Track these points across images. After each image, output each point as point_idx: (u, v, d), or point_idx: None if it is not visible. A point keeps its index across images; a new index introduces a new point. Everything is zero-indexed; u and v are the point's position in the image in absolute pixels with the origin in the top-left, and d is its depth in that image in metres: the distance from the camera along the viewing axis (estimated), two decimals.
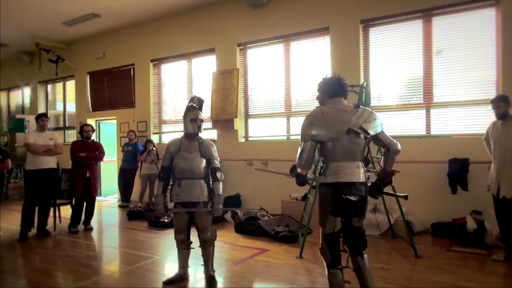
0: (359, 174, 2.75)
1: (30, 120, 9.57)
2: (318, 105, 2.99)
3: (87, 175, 6.04)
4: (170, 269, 4.13)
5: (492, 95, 5.00)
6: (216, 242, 3.80)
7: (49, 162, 5.74)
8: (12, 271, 4.33)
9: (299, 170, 2.90)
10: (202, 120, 3.75)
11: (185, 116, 3.74)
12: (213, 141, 4.55)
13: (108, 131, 10.30)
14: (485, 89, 5.54)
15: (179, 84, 8.93)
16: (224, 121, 7.69)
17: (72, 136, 11.14)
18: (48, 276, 4.13)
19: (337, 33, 6.59)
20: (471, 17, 5.65)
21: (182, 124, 3.79)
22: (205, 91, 8.05)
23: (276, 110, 7.48)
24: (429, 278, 3.82)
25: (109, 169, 9.91)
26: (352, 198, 2.70)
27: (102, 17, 8.69)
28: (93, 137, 6.53)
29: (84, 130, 6.22)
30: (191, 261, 3.88)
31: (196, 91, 8.39)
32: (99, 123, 10.30)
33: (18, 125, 10.39)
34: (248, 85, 7.78)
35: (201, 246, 3.72)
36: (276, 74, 7.43)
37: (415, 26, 6.05)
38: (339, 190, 2.71)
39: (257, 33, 7.46)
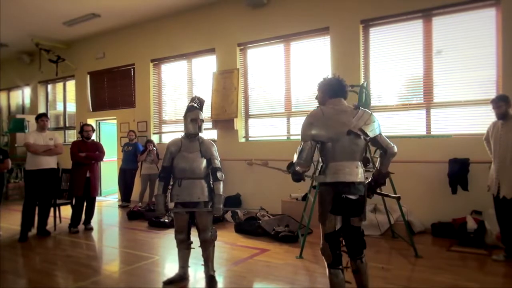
0: (358, 173, 2.78)
1: (30, 120, 9.56)
2: (318, 105, 3.00)
3: (87, 175, 6.04)
4: (170, 269, 4.13)
5: (492, 95, 5.00)
6: (216, 242, 3.81)
7: (49, 162, 5.74)
8: (12, 271, 4.33)
9: (297, 168, 2.92)
10: (202, 120, 3.76)
11: (185, 116, 3.74)
12: (214, 141, 4.54)
13: (108, 131, 10.30)
14: (485, 89, 5.54)
15: (179, 84, 8.93)
16: (224, 121, 7.69)
17: (72, 136, 11.14)
18: (48, 276, 4.13)
19: (337, 33, 6.59)
20: (471, 17, 5.66)
21: (183, 124, 3.79)
22: (205, 91, 8.05)
23: (276, 110, 7.48)
24: (429, 278, 3.82)
25: (109, 169, 9.91)
26: (352, 197, 2.73)
27: (102, 17, 8.69)
28: (93, 137, 6.54)
29: (84, 130, 6.22)
30: (191, 261, 3.88)
31: (196, 91, 8.38)
32: (99, 123, 10.30)
33: (18, 125, 10.39)
34: (248, 85, 7.78)
35: (201, 246, 3.72)
36: (276, 74, 7.43)
37: (415, 26, 6.05)
38: (339, 189, 2.73)
39: (257, 33, 7.46)
